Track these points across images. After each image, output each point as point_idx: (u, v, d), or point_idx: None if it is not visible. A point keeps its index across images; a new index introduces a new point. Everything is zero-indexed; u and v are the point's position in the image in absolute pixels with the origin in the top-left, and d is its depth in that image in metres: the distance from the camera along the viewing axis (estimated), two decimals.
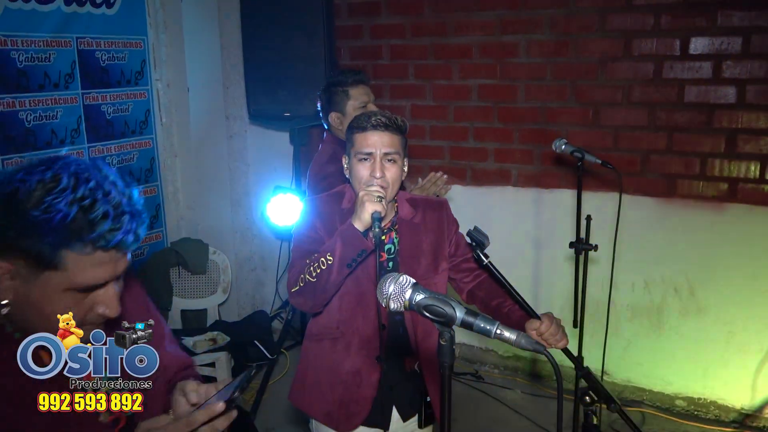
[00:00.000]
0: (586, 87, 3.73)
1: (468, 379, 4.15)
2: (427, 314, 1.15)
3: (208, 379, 1.42)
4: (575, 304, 3.00)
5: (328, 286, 1.94)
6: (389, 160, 1.98)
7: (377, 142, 1.97)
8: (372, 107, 2.84)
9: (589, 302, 3.08)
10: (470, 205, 4.03)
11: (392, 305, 1.18)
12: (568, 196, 3.71)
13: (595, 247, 2.87)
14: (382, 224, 1.99)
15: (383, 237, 2.07)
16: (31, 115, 3.38)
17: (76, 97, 3.62)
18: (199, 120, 4.45)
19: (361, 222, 1.90)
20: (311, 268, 1.94)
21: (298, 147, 4.34)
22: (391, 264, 2.10)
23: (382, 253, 2.08)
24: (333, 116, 2.87)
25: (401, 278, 1.18)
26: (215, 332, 4.07)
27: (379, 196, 1.91)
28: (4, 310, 1.13)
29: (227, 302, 4.54)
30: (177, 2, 4.19)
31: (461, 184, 4.13)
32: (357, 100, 2.83)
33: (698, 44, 3.43)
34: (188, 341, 3.89)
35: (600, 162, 2.90)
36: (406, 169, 2.08)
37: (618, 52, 3.61)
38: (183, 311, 4.29)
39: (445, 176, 3.04)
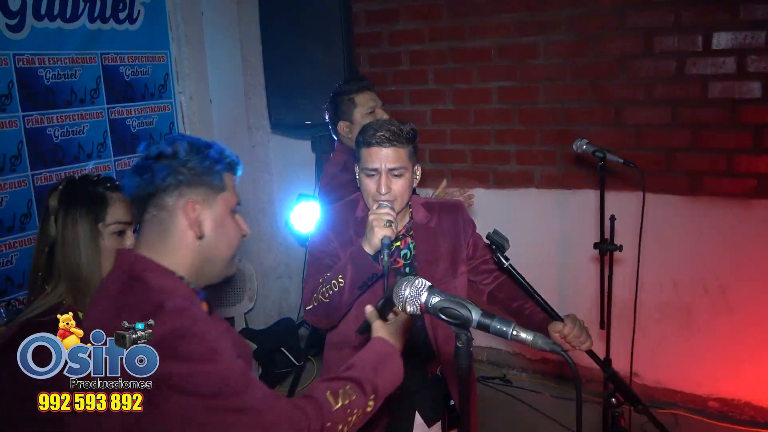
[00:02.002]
0: (606, 86, 3.70)
1: (496, 383, 4.13)
2: (443, 317, 1.15)
3: None
4: (602, 305, 2.97)
5: (341, 306, 1.98)
6: (395, 175, 1.97)
7: (381, 158, 1.96)
8: (380, 111, 2.83)
9: (616, 303, 3.05)
10: (493, 208, 4.00)
11: (408, 309, 1.18)
12: (592, 196, 3.67)
13: (620, 248, 2.84)
14: (397, 230, 1.99)
15: (398, 243, 2.09)
16: (58, 131, 3.46)
17: (101, 111, 3.69)
18: (221, 131, 4.50)
19: (371, 246, 1.92)
20: (324, 289, 1.98)
21: (320, 155, 4.36)
22: (408, 269, 2.10)
23: (398, 259, 2.09)
24: (342, 125, 2.86)
25: (417, 281, 1.19)
26: None
27: (388, 221, 1.91)
28: (201, 238, 1.40)
29: (254, 310, 4.58)
30: (198, 16, 4.26)
31: (484, 188, 4.12)
32: (364, 106, 2.82)
33: (721, 39, 3.38)
34: None
35: (622, 161, 2.87)
36: (418, 174, 2.07)
37: (638, 50, 3.58)
38: None
39: (450, 189, 3.00)
